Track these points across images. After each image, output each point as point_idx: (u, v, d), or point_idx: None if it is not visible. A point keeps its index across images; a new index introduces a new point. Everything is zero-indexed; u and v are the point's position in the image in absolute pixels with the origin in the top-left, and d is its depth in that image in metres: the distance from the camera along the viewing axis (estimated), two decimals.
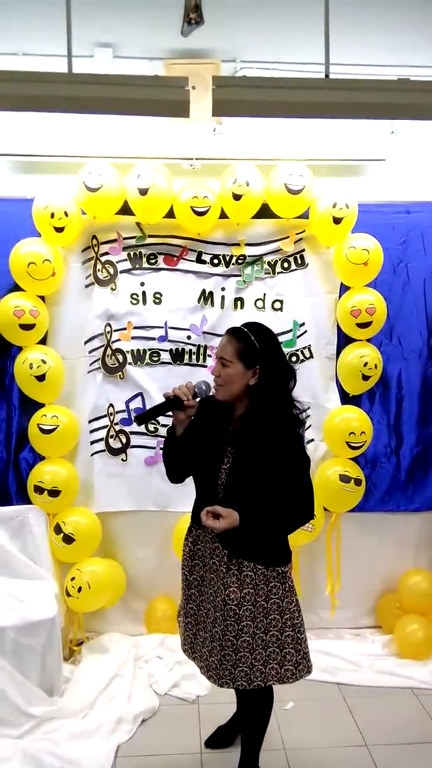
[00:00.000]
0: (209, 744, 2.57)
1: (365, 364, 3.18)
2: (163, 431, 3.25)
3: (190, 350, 3.27)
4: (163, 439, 3.14)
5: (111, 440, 3.27)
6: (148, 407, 3.22)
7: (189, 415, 2.12)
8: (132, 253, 3.25)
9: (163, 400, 2.17)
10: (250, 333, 2.06)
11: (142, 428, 3.26)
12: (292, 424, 2.07)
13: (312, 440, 3.33)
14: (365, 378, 3.21)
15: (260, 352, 2.03)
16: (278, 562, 2.09)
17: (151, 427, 3.27)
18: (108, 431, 3.27)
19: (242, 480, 2.04)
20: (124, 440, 3.27)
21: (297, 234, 3.27)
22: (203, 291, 3.27)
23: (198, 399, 2.14)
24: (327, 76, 2.37)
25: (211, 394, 2.17)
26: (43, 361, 3.08)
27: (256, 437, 2.03)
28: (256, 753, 2.32)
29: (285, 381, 2.07)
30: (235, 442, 2.10)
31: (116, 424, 3.26)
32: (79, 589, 3.06)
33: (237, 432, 2.10)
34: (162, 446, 3.18)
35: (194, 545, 2.21)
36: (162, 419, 3.19)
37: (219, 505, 1.98)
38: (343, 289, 3.29)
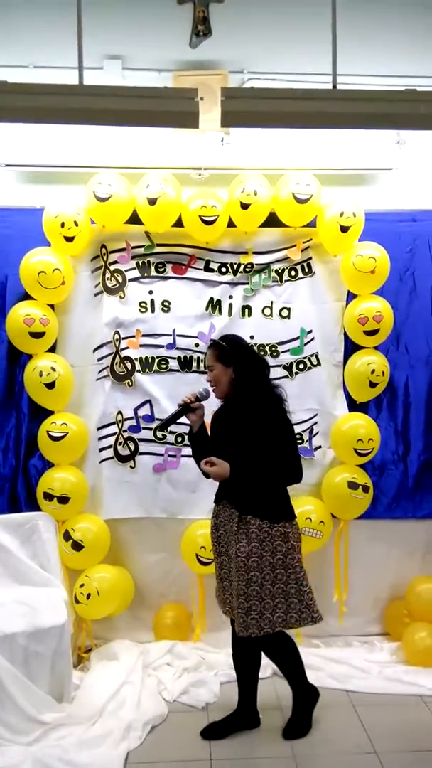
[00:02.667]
0: (205, 734, 2.65)
1: (372, 372, 3.20)
2: (170, 438, 3.28)
3: (198, 358, 3.29)
4: (171, 445, 3.25)
5: (119, 447, 3.29)
6: (156, 414, 3.27)
7: (199, 415, 2.64)
8: (141, 262, 3.28)
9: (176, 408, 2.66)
10: (221, 341, 2.60)
11: (150, 435, 3.28)
12: (275, 400, 2.54)
13: (320, 447, 3.35)
14: (372, 385, 3.23)
15: (231, 352, 2.55)
16: (279, 518, 2.48)
17: (158, 434, 3.29)
18: (116, 438, 3.29)
19: (235, 448, 2.48)
20: (132, 447, 3.29)
21: (304, 242, 3.30)
22: (211, 299, 3.30)
23: (201, 401, 2.63)
24: (334, 86, 2.41)
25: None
26: (53, 369, 3.11)
27: (240, 412, 2.51)
28: (302, 678, 2.67)
29: (259, 369, 2.57)
30: (231, 423, 2.56)
31: (125, 431, 3.29)
32: (88, 596, 3.07)
33: (232, 416, 2.57)
34: (170, 454, 3.26)
35: (216, 518, 2.61)
36: (170, 427, 3.20)
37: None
38: (350, 296, 3.31)
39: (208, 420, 2.70)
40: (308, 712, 2.68)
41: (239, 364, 2.53)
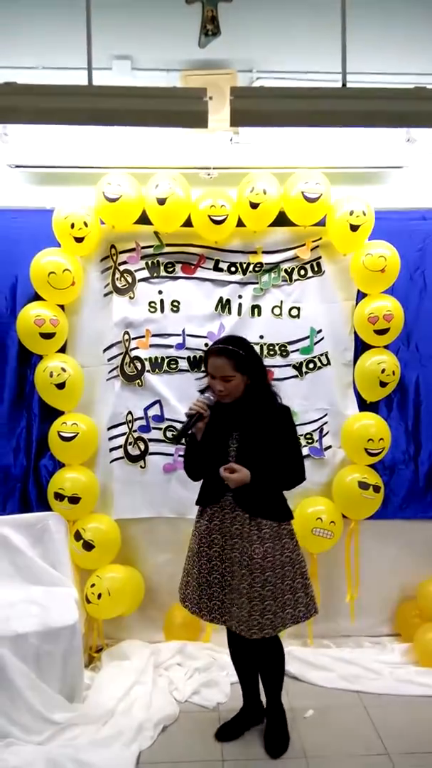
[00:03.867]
0: (220, 736, 2.66)
1: (383, 371, 3.18)
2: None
3: None
4: (181, 445, 3.23)
5: (129, 447, 3.30)
6: (166, 414, 3.28)
7: (205, 423, 2.53)
8: (150, 262, 3.28)
9: (185, 418, 2.55)
10: (236, 348, 2.47)
11: (160, 435, 3.29)
12: (281, 403, 2.55)
13: (330, 447, 3.33)
14: (383, 384, 3.21)
15: (247, 359, 2.47)
16: (286, 517, 2.53)
17: (168, 434, 3.29)
18: (126, 438, 3.30)
19: (250, 452, 2.47)
20: (142, 447, 3.29)
21: (314, 241, 3.29)
22: (220, 299, 3.30)
23: (210, 408, 2.54)
24: (344, 85, 2.39)
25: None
26: (63, 369, 3.12)
27: (256, 418, 2.47)
28: (279, 694, 2.66)
29: (265, 372, 2.58)
30: (238, 426, 2.50)
31: (135, 431, 3.29)
32: (99, 596, 3.07)
33: (238, 418, 2.50)
34: (180, 454, 3.25)
35: (210, 522, 2.54)
36: (181, 427, 3.23)
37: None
38: (360, 295, 3.29)
39: None
40: (285, 724, 2.67)
41: (253, 369, 2.49)
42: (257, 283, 3.30)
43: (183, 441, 2.61)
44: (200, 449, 2.56)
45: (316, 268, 3.33)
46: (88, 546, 3.12)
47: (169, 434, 3.27)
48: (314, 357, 3.32)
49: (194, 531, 2.61)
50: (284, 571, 2.47)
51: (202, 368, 2.61)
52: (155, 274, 3.28)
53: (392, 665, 3.17)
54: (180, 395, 3.25)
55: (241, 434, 2.50)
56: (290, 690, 2.77)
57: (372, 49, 3.06)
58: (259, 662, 2.65)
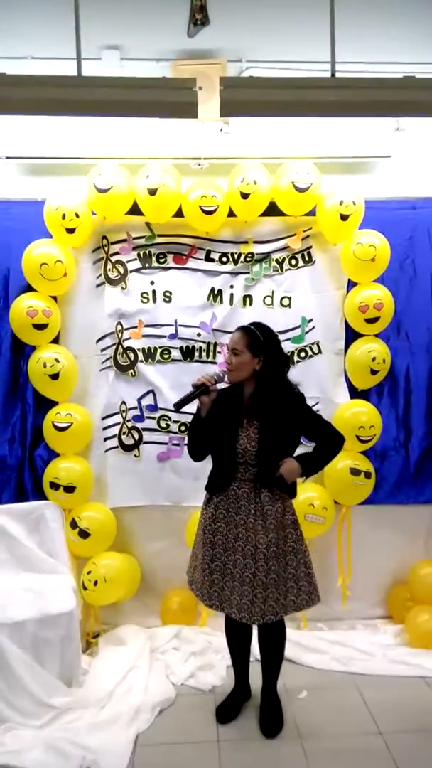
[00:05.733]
0: (221, 720, 2.71)
1: (373, 359, 3.22)
2: (174, 427, 3.31)
3: (200, 347, 3.32)
4: (175, 434, 3.27)
5: (124, 437, 3.33)
6: (159, 404, 3.31)
7: (211, 398, 2.56)
8: (142, 253, 3.30)
9: (191, 389, 2.56)
10: (257, 329, 2.53)
11: (154, 424, 3.32)
12: (298, 391, 2.59)
13: None
14: (373, 372, 3.25)
15: (264, 344, 2.50)
16: (290, 504, 2.59)
17: (162, 423, 3.32)
18: (120, 428, 3.33)
19: (272, 442, 2.49)
20: (136, 436, 3.32)
21: (304, 231, 3.31)
22: (212, 289, 3.32)
23: (218, 384, 2.57)
24: (333, 74, 2.41)
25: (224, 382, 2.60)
26: (57, 360, 3.14)
27: (272, 408, 2.49)
28: (276, 677, 2.74)
29: (282, 367, 2.57)
30: (249, 415, 2.53)
31: (128, 420, 3.32)
32: (96, 583, 3.12)
33: (248, 408, 2.54)
34: (174, 443, 3.28)
35: (216, 510, 2.57)
36: (174, 416, 3.27)
37: (254, 466, 2.50)
38: (351, 285, 3.33)
39: None
40: (280, 705, 2.73)
41: (267, 357, 2.50)
42: (248, 273, 3.33)
43: (181, 408, 2.57)
44: (205, 429, 2.57)
45: (306, 258, 3.35)
46: (84, 534, 3.16)
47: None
48: (306, 346, 3.35)
49: (200, 517, 2.66)
50: (287, 560, 2.52)
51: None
52: (147, 265, 3.30)
53: (384, 647, 3.23)
54: (173, 384, 3.29)
55: (261, 425, 2.50)
56: (284, 672, 2.81)
57: (361, 38, 3.07)
58: (261, 646, 2.70)
